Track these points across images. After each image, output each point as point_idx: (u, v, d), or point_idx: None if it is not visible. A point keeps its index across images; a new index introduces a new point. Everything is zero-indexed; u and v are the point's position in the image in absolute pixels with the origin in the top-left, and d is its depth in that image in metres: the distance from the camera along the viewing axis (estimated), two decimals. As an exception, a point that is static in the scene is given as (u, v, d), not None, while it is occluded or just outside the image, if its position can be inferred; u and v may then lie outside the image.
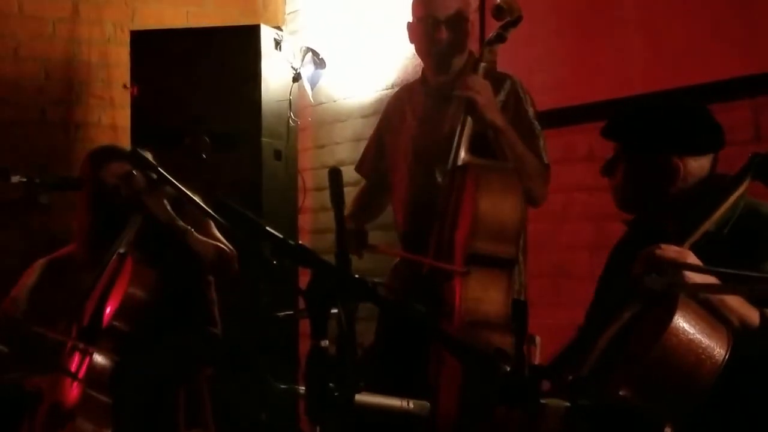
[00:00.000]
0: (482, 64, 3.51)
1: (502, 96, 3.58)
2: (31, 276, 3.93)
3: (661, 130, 2.65)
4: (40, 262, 3.99)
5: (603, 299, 2.82)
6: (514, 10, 3.52)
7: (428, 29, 3.64)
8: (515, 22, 3.53)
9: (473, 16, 3.81)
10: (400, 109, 3.86)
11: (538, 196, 3.53)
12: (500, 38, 3.53)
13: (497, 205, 3.28)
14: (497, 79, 3.58)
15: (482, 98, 3.41)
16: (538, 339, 2.65)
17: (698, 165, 2.64)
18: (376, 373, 3.59)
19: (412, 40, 3.76)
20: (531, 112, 3.60)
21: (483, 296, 3.26)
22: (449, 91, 3.59)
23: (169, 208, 3.73)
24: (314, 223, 5.83)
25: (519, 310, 2.36)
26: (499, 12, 3.54)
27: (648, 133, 2.66)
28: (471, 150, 3.46)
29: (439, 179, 3.56)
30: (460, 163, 3.45)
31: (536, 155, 3.51)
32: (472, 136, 3.47)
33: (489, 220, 3.26)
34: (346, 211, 3.87)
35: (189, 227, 3.75)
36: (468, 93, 3.42)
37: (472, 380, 3.00)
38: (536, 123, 3.58)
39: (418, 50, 3.75)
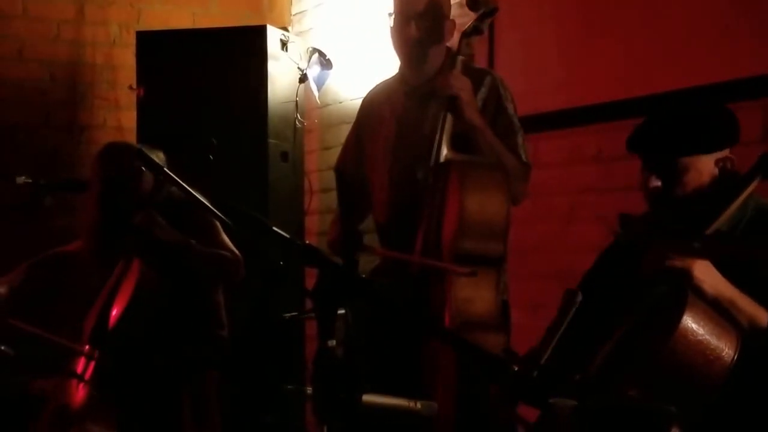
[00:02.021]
0: (460, 58, 3.48)
1: (482, 92, 3.54)
2: (18, 272, 3.93)
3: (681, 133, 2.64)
4: (46, 256, 3.99)
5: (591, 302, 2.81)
6: (489, 1, 3.48)
7: (400, 25, 3.61)
8: (491, 13, 3.48)
9: (458, 11, 3.76)
10: (378, 107, 3.81)
11: (517, 195, 3.47)
12: (477, 30, 3.49)
13: (483, 202, 3.24)
14: (477, 75, 3.54)
15: (465, 95, 3.39)
16: None
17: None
18: (367, 375, 3.55)
19: (390, 36, 3.73)
20: (511, 108, 3.56)
21: (474, 296, 3.22)
22: (428, 90, 3.56)
23: (165, 224, 3.72)
24: (321, 225, 5.81)
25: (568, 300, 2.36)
26: (474, 4, 3.50)
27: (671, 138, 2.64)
28: (452, 146, 3.42)
29: (420, 176, 3.50)
30: (442, 159, 3.40)
31: (515, 153, 3.48)
32: (453, 132, 3.43)
33: (476, 218, 3.22)
34: (335, 217, 3.85)
35: (190, 242, 3.74)
36: (450, 90, 3.39)
37: (471, 382, 2.98)
38: (516, 120, 3.55)
39: (394, 47, 3.71)
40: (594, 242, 4.09)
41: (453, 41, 3.64)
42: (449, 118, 3.41)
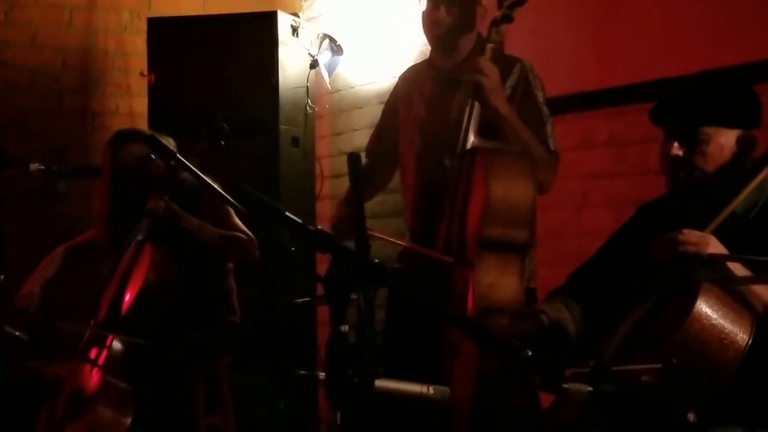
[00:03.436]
0: (489, 45, 3.47)
1: (512, 80, 3.53)
2: (48, 267, 3.93)
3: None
4: (58, 252, 3.99)
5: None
6: None
7: (430, 9, 3.61)
8: (521, 1, 3.47)
9: None
10: (407, 92, 3.81)
11: (545, 184, 3.47)
12: (507, 18, 3.47)
13: (509, 189, 3.23)
14: (507, 63, 3.54)
15: (489, 82, 3.37)
16: None
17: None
18: (386, 360, 3.56)
19: (421, 20, 3.72)
20: (540, 97, 3.55)
21: (497, 282, 3.21)
22: (456, 76, 3.56)
23: (176, 209, 3.72)
24: (332, 211, 5.80)
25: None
26: None
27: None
28: (480, 133, 3.42)
29: (448, 164, 3.51)
30: (468, 146, 3.40)
31: (543, 142, 3.47)
32: (481, 120, 3.42)
33: (501, 205, 3.21)
34: (343, 197, 3.86)
35: (203, 223, 3.74)
36: (475, 76, 3.38)
37: (492, 367, 2.98)
38: (545, 109, 3.54)
39: (424, 32, 3.71)
40: (606, 227, 4.09)
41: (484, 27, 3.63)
42: (477, 105, 3.40)
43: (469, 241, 3.27)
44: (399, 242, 3.67)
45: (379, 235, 3.58)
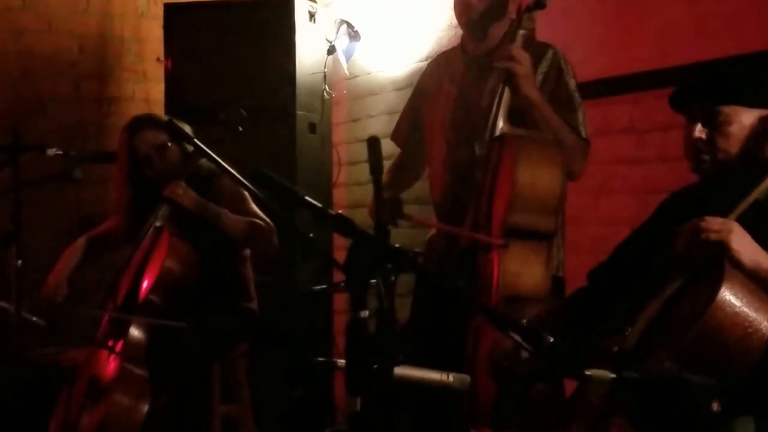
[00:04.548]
0: (521, 32, 3.44)
1: (543, 67, 3.50)
2: (71, 258, 3.93)
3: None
4: (80, 243, 3.99)
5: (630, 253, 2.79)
6: None
7: None
8: None
9: None
10: (437, 78, 3.79)
11: (575, 172, 3.45)
12: (539, 4, 3.45)
13: (536, 177, 3.22)
14: (539, 50, 3.51)
15: (521, 69, 3.35)
16: None
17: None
18: (412, 347, 3.55)
19: (453, 7, 3.70)
20: (572, 84, 3.52)
21: (522, 271, 3.21)
22: (488, 62, 3.54)
23: (194, 195, 3.71)
24: (349, 198, 5.79)
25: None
26: None
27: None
28: (510, 120, 3.40)
29: (477, 151, 3.50)
30: (498, 133, 3.38)
31: (574, 129, 3.44)
32: (511, 107, 3.41)
33: (528, 193, 3.20)
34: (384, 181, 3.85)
35: (221, 210, 3.73)
36: (507, 63, 3.36)
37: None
38: (577, 96, 3.51)
39: (456, 17, 3.69)
40: (626, 214, 4.07)
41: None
42: (507, 92, 3.38)
43: (495, 229, 3.26)
44: (438, 226, 3.65)
45: (417, 219, 3.58)
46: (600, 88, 4.07)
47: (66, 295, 3.83)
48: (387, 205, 3.48)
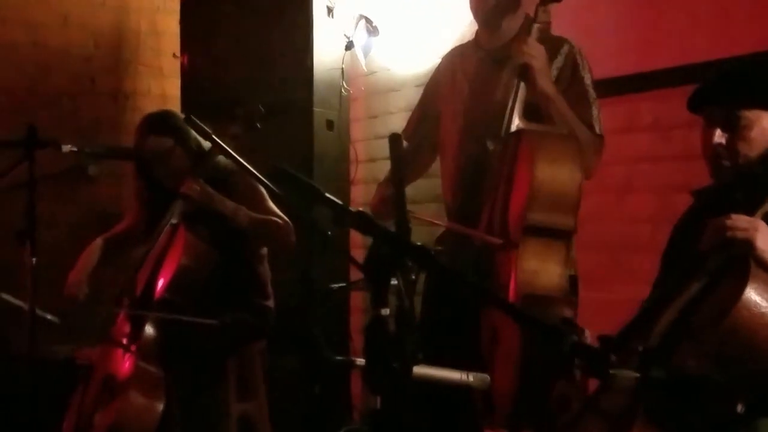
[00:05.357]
0: (536, 25, 3.40)
1: (559, 61, 3.47)
2: (90, 258, 3.91)
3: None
4: (98, 243, 3.97)
5: (669, 275, 2.73)
6: None
7: None
8: None
9: None
10: (451, 72, 3.76)
11: (589, 168, 3.40)
12: None
13: (555, 173, 3.17)
14: (554, 44, 3.47)
15: (536, 63, 3.32)
16: (587, 332, 2.59)
17: None
18: (424, 346, 3.51)
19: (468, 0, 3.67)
20: (588, 79, 3.49)
21: (540, 269, 3.17)
22: (502, 56, 3.51)
23: (211, 191, 3.68)
24: (366, 195, 5.74)
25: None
26: None
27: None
28: (525, 116, 3.36)
29: (491, 147, 3.45)
30: (513, 128, 3.35)
31: (588, 125, 3.41)
32: (527, 102, 3.37)
33: (546, 189, 3.16)
34: (384, 178, 3.81)
35: (238, 206, 3.70)
36: (523, 58, 3.33)
37: (534, 354, 2.93)
38: (592, 91, 3.47)
39: (471, 10, 3.66)
40: (649, 213, 4.02)
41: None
42: (522, 86, 3.35)
43: (512, 227, 3.22)
44: (444, 224, 3.62)
45: (425, 218, 3.54)
46: (624, 85, 4.03)
47: (87, 294, 3.81)
48: (392, 201, 3.44)
